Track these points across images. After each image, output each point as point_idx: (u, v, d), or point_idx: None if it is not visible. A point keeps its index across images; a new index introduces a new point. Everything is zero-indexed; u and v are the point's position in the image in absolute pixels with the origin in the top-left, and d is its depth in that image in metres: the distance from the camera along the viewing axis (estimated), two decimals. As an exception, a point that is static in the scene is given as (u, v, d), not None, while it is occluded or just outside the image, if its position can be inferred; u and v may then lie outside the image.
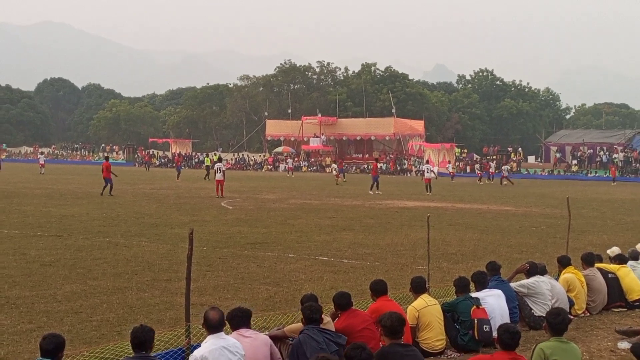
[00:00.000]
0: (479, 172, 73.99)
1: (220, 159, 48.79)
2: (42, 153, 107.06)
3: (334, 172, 67.30)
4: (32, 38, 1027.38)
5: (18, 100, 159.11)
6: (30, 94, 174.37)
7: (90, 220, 26.92)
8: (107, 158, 44.11)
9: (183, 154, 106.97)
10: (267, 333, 9.39)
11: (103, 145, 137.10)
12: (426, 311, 10.35)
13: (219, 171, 41.75)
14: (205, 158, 75.54)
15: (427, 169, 53.96)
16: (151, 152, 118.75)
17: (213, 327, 7.86)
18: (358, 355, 6.73)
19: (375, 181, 49.07)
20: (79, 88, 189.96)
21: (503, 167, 68.66)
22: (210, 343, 7.72)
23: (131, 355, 7.44)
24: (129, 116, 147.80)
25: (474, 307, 10.70)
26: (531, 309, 12.02)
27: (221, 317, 7.97)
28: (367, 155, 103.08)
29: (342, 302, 9.61)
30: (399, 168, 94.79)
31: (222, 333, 7.89)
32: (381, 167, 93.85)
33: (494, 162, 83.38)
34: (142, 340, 7.37)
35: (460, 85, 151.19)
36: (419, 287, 10.72)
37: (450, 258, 18.77)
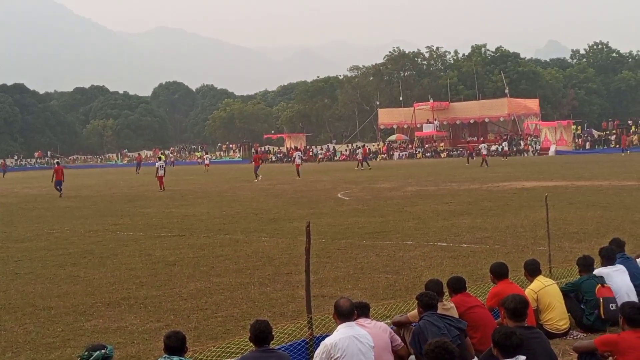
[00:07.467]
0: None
1: (159, 159, 53.43)
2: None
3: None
4: (147, 44, 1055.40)
5: (136, 106, 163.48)
6: (147, 99, 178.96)
7: (211, 218, 27.49)
8: (57, 163, 47.44)
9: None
10: (391, 319, 9.44)
11: (219, 144, 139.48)
12: (544, 292, 10.17)
13: (160, 168, 46.58)
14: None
15: (298, 155, 59.87)
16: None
17: (344, 315, 7.91)
18: (508, 342, 6.66)
19: (255, 171, 53.54)
20: (193, 90, 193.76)
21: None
22: (342, 332, 7.76)
23: (254, 350, 7.57)
24: (243, 114, 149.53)
25: (599, 285, 10.46)
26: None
27: (352, 306, 8.02)
28: (481, 138, 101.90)
29: (458, 287, 9.52)
30: (515, 149, 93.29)
31: (353, 323, 7.94)
32: (497, 148, 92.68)
33: (606, 136, 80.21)
34: (265, 333, 7.49)
35: (575, 60, 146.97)
36: (533, 269, 10.53)
37: (572, 237, 18.36)
